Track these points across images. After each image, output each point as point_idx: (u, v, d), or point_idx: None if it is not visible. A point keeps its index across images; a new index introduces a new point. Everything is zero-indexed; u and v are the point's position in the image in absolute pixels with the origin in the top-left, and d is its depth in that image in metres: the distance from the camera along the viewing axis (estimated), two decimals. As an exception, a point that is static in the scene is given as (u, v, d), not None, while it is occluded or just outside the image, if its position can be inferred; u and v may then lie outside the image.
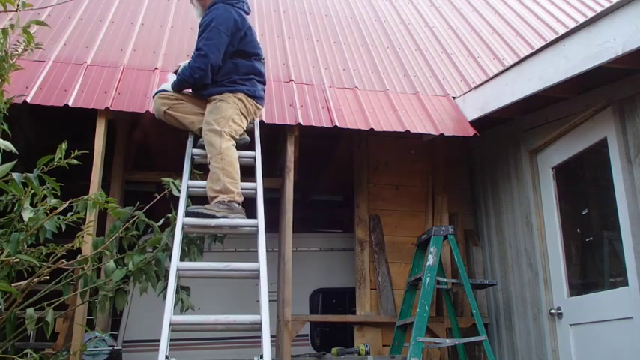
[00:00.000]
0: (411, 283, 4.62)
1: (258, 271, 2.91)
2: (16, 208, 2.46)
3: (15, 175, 2.33)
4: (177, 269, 2.84)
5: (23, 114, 4.76)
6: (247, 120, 3.77)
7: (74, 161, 2.56)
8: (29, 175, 2.40)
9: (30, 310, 2.41)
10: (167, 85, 3.80)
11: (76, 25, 5.09)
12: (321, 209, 6.94)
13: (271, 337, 2.61)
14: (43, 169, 2.47)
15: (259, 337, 2.58)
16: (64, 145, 2.55)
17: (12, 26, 2.46)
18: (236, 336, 4.70)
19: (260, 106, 3.88)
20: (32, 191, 2.40)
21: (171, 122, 3.80)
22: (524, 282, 4.40)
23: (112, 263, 2.70)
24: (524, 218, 4.45)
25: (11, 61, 2.57)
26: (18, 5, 2.38)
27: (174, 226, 3.03)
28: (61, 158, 2.52)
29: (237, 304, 4.81)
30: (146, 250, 2.88)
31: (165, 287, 2.83)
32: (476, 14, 6.93)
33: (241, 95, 3.69)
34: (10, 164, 2.28)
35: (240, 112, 3.68)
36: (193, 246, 3.21)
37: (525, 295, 4.38)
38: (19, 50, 2.61)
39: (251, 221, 3.28)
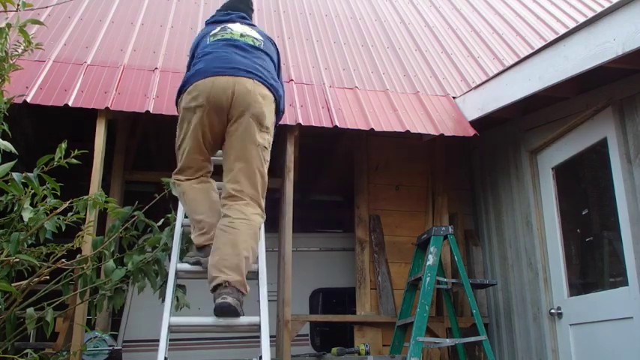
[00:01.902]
0: (411, 283, 4.61)
1: (258, 272, 2.90)
2: (16, 208, 2.45)
3: (15, 175, 2.32)
4: (177, 270, 2.84)
5: (23, 114, 4.76)
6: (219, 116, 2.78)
7: (74, 160, 2.56)
8: (29, 174, 2.39)
9: (30, 310, 2.41)
10: None
11: (76, 25, 5.09)
12: (321, 209, 6.94)
13: (271, 337, 2.61)
14: (42, 168, 2.47)
15: (259, 337, 2.58)
16: (63, 145, 2.55)
17: (8, 25, 2.45)
18: (236, 336, 4.70)
19: (232, 76, 2.78)
20: (32, 191, 2.39)
21: None
22: (524, 282, 4.40)
23: (111, 263, 2.70)
24: (524, 218, 4.44)
25: (11, 62, 2.57)
26: (18, 5, 2.38)
27: (174, 226, 3.03)
28: (60, 157, 2.52)
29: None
30: (145, 250, 2.88)
31: (161, 286, 2.83)
32: (476, 14, 6.93)
33: (184, 95, 2.86)
34: (10, 164, 2.28)
35: (185, 114, 2.85)
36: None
37: (525, 295, 4.37)
38: (19, 50, 2.61)
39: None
